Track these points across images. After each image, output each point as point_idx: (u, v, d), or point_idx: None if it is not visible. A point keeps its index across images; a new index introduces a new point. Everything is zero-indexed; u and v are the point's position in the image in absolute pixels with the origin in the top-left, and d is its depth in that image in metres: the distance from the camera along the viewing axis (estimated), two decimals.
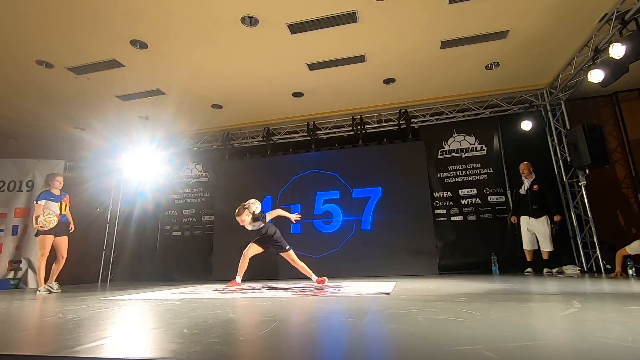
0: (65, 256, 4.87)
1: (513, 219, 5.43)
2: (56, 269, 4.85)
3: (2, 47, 4.52)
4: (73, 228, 5.03)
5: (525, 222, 5.27)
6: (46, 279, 4.74)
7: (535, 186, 5.28)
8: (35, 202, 4.84)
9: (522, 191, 5.39)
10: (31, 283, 6.10)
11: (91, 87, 5.54)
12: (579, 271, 5.09)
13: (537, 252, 5.17)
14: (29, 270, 6.18)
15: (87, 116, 6.51)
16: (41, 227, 4.62)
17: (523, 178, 5.42)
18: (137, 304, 2.98)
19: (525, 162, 5.41)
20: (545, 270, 5.03)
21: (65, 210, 4.92)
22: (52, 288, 4.72)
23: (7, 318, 2.49)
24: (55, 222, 4.72)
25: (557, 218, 5.11)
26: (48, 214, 4.70)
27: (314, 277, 4.40)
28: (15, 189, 6.55)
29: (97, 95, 5.80)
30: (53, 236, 4.74)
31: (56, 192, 4.92)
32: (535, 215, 5.17)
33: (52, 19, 4.03)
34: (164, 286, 5.20)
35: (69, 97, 5.83)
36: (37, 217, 4.66)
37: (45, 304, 3.27)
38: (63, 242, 4.86)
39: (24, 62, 4.83)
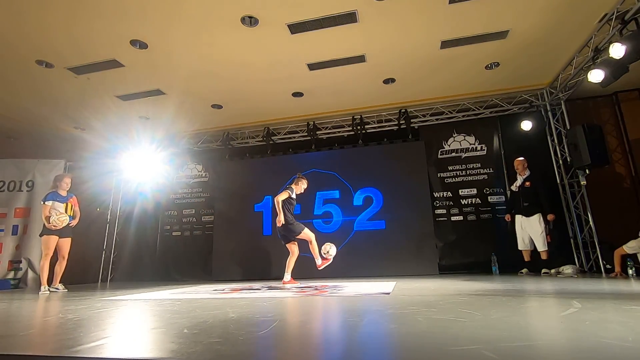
0: (66, 257, 4.90)
1: (507, 217, 5.37)
2: (59, 270, 4.87)
3: (2, 47, 4.52)
4: (74, 224, 5.00)
5: (519, 221, 5.18)
6: (49, 280, 4.75)
7: (527, 183, 5.17)
8: (42, 202, 4.87)
9: (514, 188, 5.32)
10: (31, 283, 6.10)
11: (91, 87, 5.54)
12: (578, 271, 5.08)
13: (535, 252, 5.10)
14: (29, 270, 6.18)
15: (87, 116, 6.51)
16: (54, 226, 4.68)
17: (517, 175, 5.36)
18: (137, 304, 2.98)
19: (519, 158, 5.33)
20: (543, 271, 4.93)
21: (70, 211, 4.95)
22: (57, 289, 4.75)
23: (7, 318, 2.49)
24: (67, 222, 4.80)
25: (550, 217, 4.99)
26: (60, 213, 4.76)
27: (287, 276, 4.60)
28: (15, 189, 6.54)
29: (97, 95, 5.80)
30: (57, 237, 4.77)
31: (63, 193, 4.97)
32: (527, 213, 5.08)
33: (52, 18, 4.03)
34: (163, 286, 5.20)
35: (69, 97, 5.83)
36: (47, 217, 4.71)
37: (45, 304, 3.27)
38: (66, 243, 4.89)
39: (24, 62, 4.83)
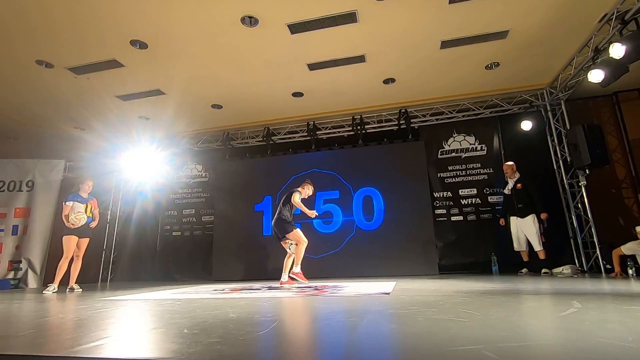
0: (81, 256, 4.96)
1: (501, 221, 5.43)
2: (74, 269, 4.91)
3: (2, 47, 4.52)
4: (94, 225, 5.07)
5: (514, 222, 5.24)
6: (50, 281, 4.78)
7: (518, 185, 5.27)
8: (64, 202, 4.98)
9: (507, 191, 5.41)
10: (31, 283, 6.11)
11: (91, 87, 5.54)
12: (578, 271, 5.08)
13: (533, 252, 5.13)
14: (29, 270, 6.18)
15: (87, 116, 6.51)
16: (72, 224, 4.78)
17: (507, 178, 5.46)
18: (137, 304, 2.98)
19: (508, 163, 5.46)
20: (543, 271, 4.95)
21: (90, 212, 5.04)
22: (73, 289, 4.78)
23: (8, 318, 2.49)
24: (85, 220, 4.91)
25: (543, 216, 5.05)
26: (78, 212, 4.86)
27: (285, 276, 4.47)
28: (15, 189, 6.55)
29: (97, 95, 5.81)
30: (77, 237, 4.84)
31: (84, 194, 5.06)
32: (522, 214, 5.15)
33: (52, 19, 4.04)
34: (164, 286, 5.20)
35: (69, 97, 5.84)
36: (67, 216, 4.80)
37: (45, 304, 3.27)
38: (84, 243, 4.96)
39: (24, 62, 4.83)
